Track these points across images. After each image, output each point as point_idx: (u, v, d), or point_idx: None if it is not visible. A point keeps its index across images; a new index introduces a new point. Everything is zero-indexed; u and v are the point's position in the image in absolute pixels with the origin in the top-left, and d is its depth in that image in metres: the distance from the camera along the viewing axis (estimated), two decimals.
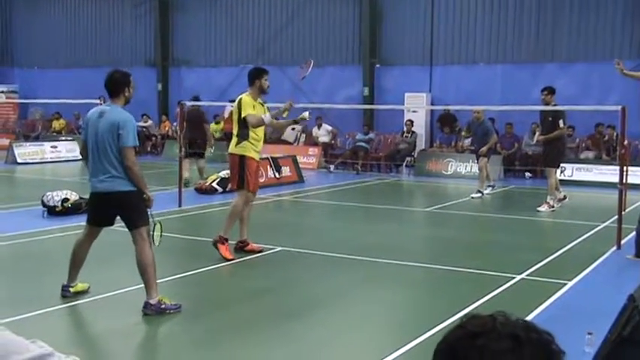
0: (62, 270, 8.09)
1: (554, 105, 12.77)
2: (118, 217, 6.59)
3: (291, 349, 5.57)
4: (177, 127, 15.64)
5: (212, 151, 16.67)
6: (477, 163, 15.27)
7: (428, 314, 6.52)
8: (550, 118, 12.74)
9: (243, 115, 8.67)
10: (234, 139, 8.77)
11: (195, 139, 15.56)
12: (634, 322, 3.75)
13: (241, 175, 8.70)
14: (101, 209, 6.54)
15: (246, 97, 8.80)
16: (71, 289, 6.75)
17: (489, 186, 15.09)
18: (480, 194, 14.57)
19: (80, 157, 6.96)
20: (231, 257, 8.53)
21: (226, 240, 8.64)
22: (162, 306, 6.33)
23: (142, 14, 26.50)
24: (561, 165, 14.42)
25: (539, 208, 12.73)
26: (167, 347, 5.89)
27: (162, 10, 25.79)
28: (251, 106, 8.69)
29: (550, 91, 12.80)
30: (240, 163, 8.69)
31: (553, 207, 12.82)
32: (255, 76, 8.91)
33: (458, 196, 15.26)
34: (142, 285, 6.43)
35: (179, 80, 26.03)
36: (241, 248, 8.94)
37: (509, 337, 1.33)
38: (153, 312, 6.27)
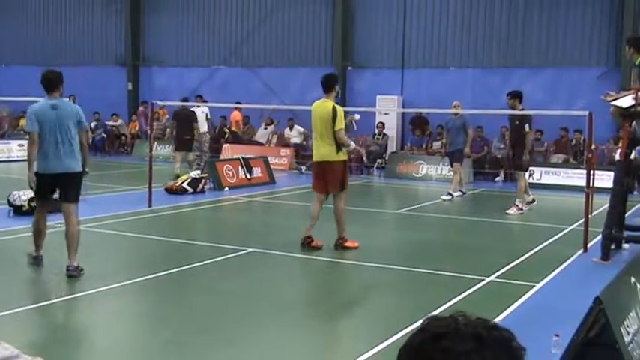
0: (29, 269, 7.97)
1: (522, 109, 12.90)
2: None
3: (259, 351, 5.56)
4: (148, 127, 15.77)
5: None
6: (451, 166, 15.25)
7: (397, 316, 6.54)
8: (517, 122, 12.88)
9: (338, 128, 8.97)
10: (334, 147, 9.00)
11: (184, 136, 16.83)
12: (600, 324, 3.81)
13: (344, 178, 9.23)
14: (52, 185, 7.54)
15: (339, 107, 9.13)
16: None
17: (461, 191, 15.09)
18: (450, 197, 14.65)
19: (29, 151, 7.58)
20: (357, 244, 9.24)
21: (345, 238, 9.21)
22: (82, 270, 7.46)
23: (113, 12, 26.25)
24: (530, 168, 14.58)
25: (508, 211, 12.87)
26: (135, 350, 5.84)
27: (133, 9, 25.56)
28: (343, 119, 9.12)
29: (514, 95, 12.91)
30: (344, 168, 9.23)
31: (522, 210, 12.96)
32: (335, 81, 9.33)
33: (428, 198, 15.36)
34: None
35: (150, 80, 25.84)
36: (308, 244, 9.20)
37: (472, 337, 1.35)
38: (76, 272, 7.37)
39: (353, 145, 9.43)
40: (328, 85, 9.22)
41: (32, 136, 7.39)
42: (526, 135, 12.82)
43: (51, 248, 9.51)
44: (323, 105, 9.14)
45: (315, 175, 9.44)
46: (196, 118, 17.49)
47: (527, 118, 12.79)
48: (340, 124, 9.00)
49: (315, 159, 9.34)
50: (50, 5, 27.56)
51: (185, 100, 17.92)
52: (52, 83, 7.50)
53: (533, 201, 13.33)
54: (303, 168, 20.00)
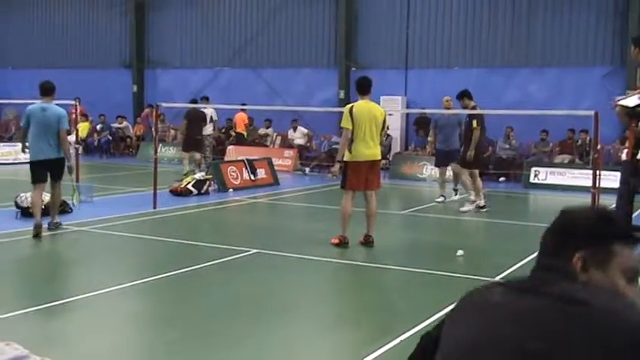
0: (36, 270, 8.01)
1: (474, 107, 12.97)
2: None
3: (265, 352, 5.56)
4: (153, 129, 15.87)
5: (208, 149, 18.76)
6: (437, 166, 14.76)
7: (404, 317, 6.53)
8: (467, 119, 13.01)
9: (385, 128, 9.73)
10: (379, 147, 9.51)
11: (194, 136, 17.51)
12: None
13: None
14: (43, 170, 9.84)
15: None
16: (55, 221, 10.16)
17: (442, 196, 14.38)
18: (471, 205, 13.69)
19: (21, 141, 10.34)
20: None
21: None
22: (59, 224, 10.16)
23: (118, 15, 26.31)
24: (480, 166, 14.08)
25: (462, 209, 12.99)
26: (140, 351, 5.85)
27: (138, 11, 25.62)
28: None
29: (462, 96, 13.02)
30: None
31: (476, 203, 12.95)
32: (371, 84, 9.79)
33: (433, 199, 15.30)
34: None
35: (154, 82, 25.88)
36: (370, 241, 9.57)
37: None
38: (53, 226, 9.96)
39: None
40: (368, 86, 9.68)
41: (22, 129, 10.25)
42: (473, 131, 12.82)
43: (57, 251, 9.56)
44: (375, 107, 9.63)
45: (357, 172, 9.36)
46: (206, 119, 18.00)
47: (476, 116, 12.81)
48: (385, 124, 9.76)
49: (366, 158, 9.34)
50: (56, 9, 27.63)
51: (194, 101, 18.25)
52: (46, 91, 10.03)
53: (475, 202, 13.19)
54: (307, 169, 20.01)
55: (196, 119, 17.67)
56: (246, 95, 22.13)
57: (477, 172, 13.27)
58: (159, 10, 25.59)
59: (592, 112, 10.02)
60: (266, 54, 23.67)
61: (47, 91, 10.08)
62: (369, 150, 9.32)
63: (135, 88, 25.99)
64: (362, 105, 9.41)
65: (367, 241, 9.56)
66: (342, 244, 9.41)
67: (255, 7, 23.75)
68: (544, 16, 19.80)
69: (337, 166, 10.31)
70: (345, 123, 9.33)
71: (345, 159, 9.41)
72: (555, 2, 19.63)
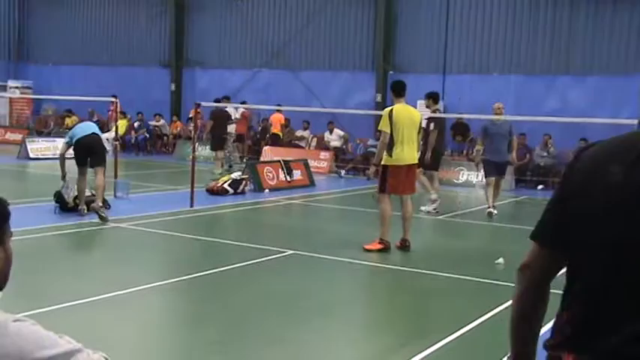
0: (74, 265, 8.10)
1: (436, 110, 13.32)
2: None
3: (303, 351, 5.56)
4: (192, 127, 16.12)
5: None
6: (487, 176, 13.49)
7: (439, 323, 6.48)
8: (427, 122, 13.15)
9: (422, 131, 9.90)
10: (417, 150, 9.56)
11: (221, 134, 17.97)
12: None
13: None
14: (83, 153, 10.78)
15: None
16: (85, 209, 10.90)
17: (493, 206, 13.20)
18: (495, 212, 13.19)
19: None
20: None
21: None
22: (104, 210, 10.61)
23: (158, 15, 26.59)
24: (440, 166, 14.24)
25: (422, 208, 13.08)
26: (179, 348, 5.87)
27: (177, 11, 25.88)
28: None
29: (428, 96, 13.27)
30: None
31: (434, 204, 13.22)
32: (405, 87, 9.75)
33: (470, 205, 15.20)
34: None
35: (192, 81, 26.10)
36: (408, 245, 9.54)
37: None
38: (99, 208, 10.47)
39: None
40: (403, 89, 9.67)
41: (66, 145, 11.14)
42: (430, 134, 12.96)
43: (94, 246, 9.67)
44: (413, 110, 9.72)
45: (397, 176, 9.30)
46: (230, 118, 18.46)
47: (434, 119, 13.00)
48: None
49: (406, 162, 9.35)
50: (96, 6, 28.04)
51: (217, 101, 18.61)
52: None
53: (434, 200, 13.33)
54: (343, 172, 20.00)
55: (221, 118, 18.12)
56: (284, 96, 22.20)
57: (436, 173, 13.57)
58: (198, 11, 25.80)
59: (634, 121, 9.83)
60: (304, 56, 23.73)
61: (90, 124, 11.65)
62: (410, 153, 9.34)
63: (173, 87, 26.24)
64: (401, 108, 9.43)
65: (403, 245, 9.51)
66: (385, 248, 9.32)
67: (294, 10, 23.82)
68: (585, 23, 19.53)
69: (373, 168, 10.41)
70: (384, 126, 9.31)
71: (385, 163, 9.32)
72: (597, 9, 19.35)
